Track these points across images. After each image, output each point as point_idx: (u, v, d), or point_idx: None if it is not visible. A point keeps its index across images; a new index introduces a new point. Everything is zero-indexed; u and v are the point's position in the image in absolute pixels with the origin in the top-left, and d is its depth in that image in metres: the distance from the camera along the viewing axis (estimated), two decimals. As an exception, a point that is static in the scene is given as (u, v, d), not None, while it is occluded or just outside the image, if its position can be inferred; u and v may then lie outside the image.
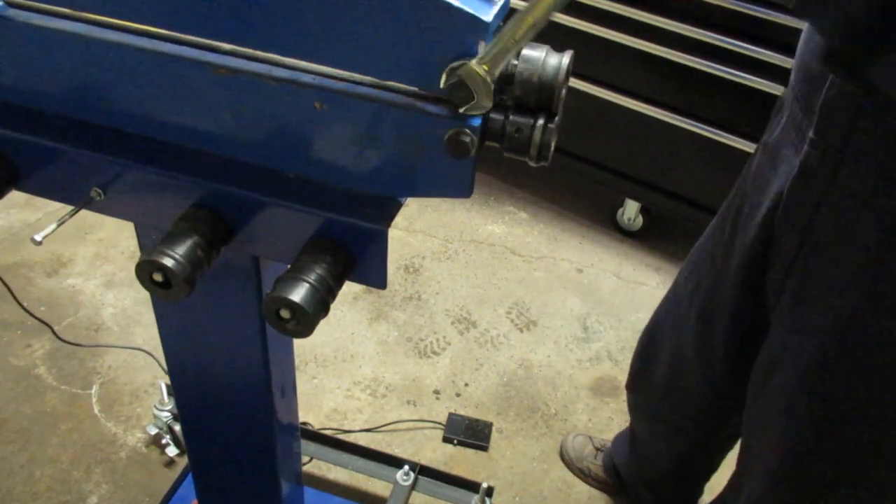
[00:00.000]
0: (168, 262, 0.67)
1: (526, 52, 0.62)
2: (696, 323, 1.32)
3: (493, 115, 0.65)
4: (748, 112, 2.14)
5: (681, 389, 1.44)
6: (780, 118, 1.07)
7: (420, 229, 2.67)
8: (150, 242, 0.86)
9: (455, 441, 1.94)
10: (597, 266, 2.60)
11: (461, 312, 2.35)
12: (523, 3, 0.58)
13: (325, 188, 0.72)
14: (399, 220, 0.72)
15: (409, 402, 2.04)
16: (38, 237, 0.72)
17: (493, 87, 0.59)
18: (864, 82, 0.83)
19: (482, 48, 0.59)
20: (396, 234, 2.62)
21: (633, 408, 1.68)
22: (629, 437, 1.76)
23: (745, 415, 1.24)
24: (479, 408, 2.05)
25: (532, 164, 0.66)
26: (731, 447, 1.56)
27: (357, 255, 0.72)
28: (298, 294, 0.66)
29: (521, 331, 2.31)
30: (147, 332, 2.14)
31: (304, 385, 2.04)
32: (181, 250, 0.69)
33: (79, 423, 1.89)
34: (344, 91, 0.65)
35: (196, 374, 1.04)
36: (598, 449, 1.90)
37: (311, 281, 0.67)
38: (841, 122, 0.91)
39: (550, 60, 0.62)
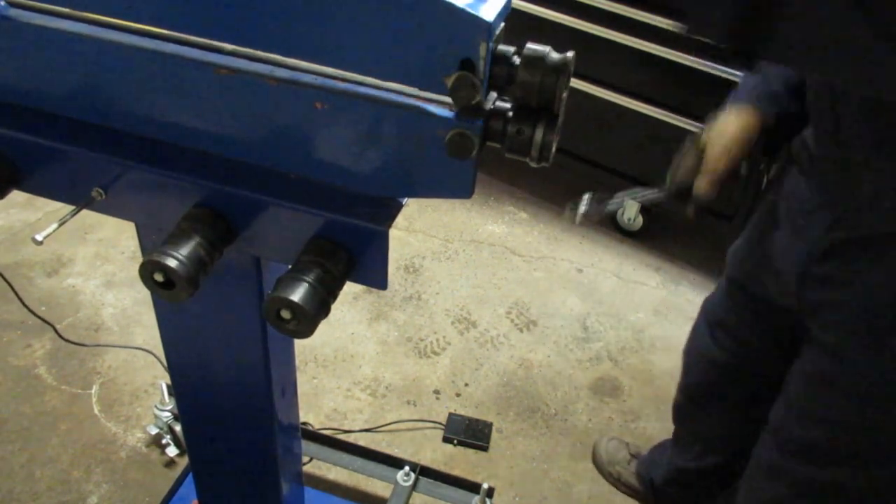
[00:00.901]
0: (171, 262, 0.67)
1: (527, 52, 0.62)
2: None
3: (493, 117, 0.65)
4: (748, 112, 2.14)
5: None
6: None
7: (420, 229, 2.67)
8: (151, 243, 0.86)
9: (455, 441, 1.94)
10: (597, 266, 2.60)
11: (461, 312, 2.35)
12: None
13: (325, 188, 0.72)
14: (399, 220, 0.72)
15: (409, 402, 2.04)
16: (39, 237, 0.72)
17: None
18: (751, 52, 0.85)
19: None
20: (396, 234, 2.62)
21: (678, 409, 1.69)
22: (668, 448, 1.76)
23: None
24: (479, 408, 2.05)
25: (533, 164, 0.66)
26: None
27: (358, 256, 0.72)
28: (299, 294, 0.66)
29: (521, 331, 2.31)
30: (147, 332, 2.14)
31: (304, 385, 2.04)
32: (184, 251, 0.69)
33: (79, 423, 1.89)
34: (345, 91, 0.65)
35: (197, 374, 1.04)
36: (632, 455, 1.88)
37: (311, 281, 0.67)
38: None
39: (551, 61, 0.62)
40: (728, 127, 1.22)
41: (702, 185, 1.23)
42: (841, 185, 1.11)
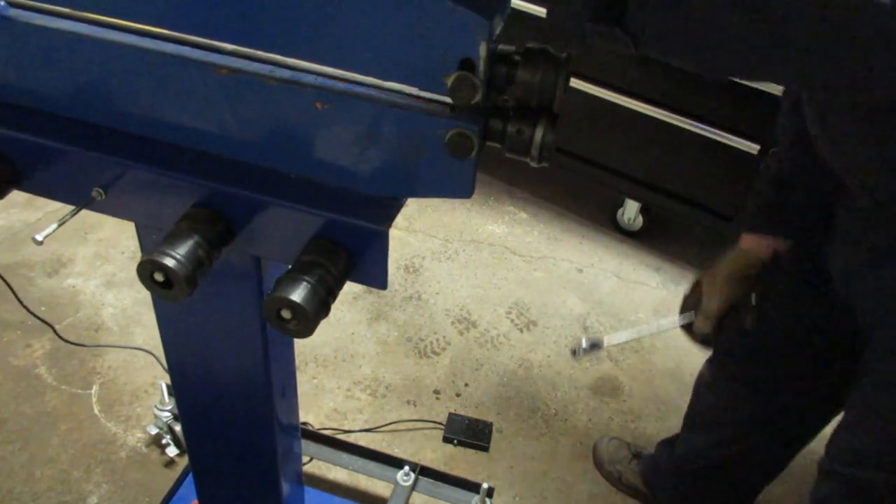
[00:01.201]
0: (169, 262, 0.67)
1: (527, 52, 0.62)
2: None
3: (493, 117, 0.65)
4: (748, 112, 2.14)
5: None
6: None
7: (420, 229, 2.67)
8: (152, 242, 0.86)
9: (455, 441, 1.94)
10: (597, 266, 2.60)
11: (461, 312, 2.35)
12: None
13: (325, 188, 0.72)
14: (399, 220, 0.72)
15: (409, 402, 2.04)
16: (39, 237, 0.72)
17: None
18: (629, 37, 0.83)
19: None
20: (396, 234, 2.62)
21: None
22: (672, 443, 1.74)
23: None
24: (479, 408, 2.05)
25: (533, 164, 0.66)
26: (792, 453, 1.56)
27: (357, 256, 0.72)
28: (299, 294, 0.66)
29: (521, 331, 2.31)
30: (147, 332, 2.14)
31: (304, 385, 2.04)
32: (182, 250, 0.69)
33: (79, 423, 1.89)
34: (345, 91, 0.65)
35: (197, 373, 1.04)
36: (634, 455, 1.88)
37: (311, 281, 0.67)
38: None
39: (551, 61, 0.62)
40: (721, 268, 1.29)
41: (698, 323, 1.33)
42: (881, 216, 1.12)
